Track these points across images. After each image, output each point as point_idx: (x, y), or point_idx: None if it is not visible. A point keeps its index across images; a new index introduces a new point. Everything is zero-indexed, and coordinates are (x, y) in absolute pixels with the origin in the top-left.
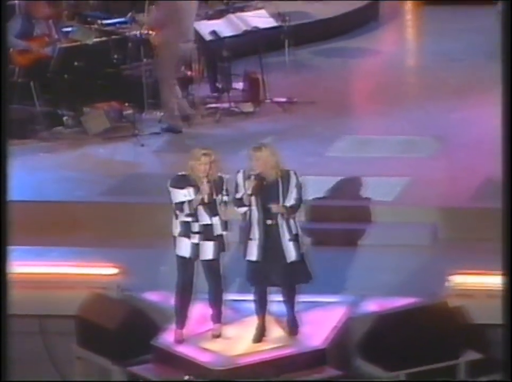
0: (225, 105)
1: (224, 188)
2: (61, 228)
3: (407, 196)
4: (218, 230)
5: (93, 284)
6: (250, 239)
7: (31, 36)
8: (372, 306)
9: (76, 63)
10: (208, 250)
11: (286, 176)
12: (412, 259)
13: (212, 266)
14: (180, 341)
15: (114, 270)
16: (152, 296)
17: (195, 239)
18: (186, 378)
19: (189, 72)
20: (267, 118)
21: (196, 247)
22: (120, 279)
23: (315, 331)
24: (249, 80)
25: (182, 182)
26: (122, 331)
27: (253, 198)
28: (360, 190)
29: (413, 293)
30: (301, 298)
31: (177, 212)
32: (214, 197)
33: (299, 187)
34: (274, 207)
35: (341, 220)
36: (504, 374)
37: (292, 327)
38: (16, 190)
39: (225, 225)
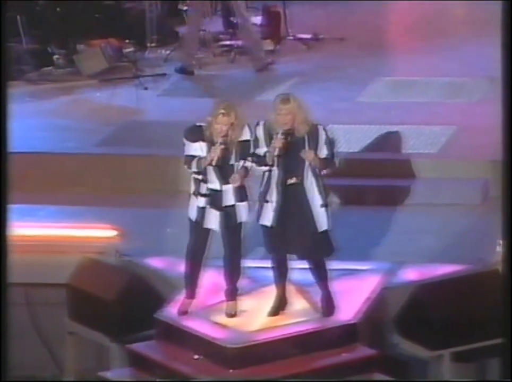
0: (241, 42)
1: (250, 151)
2: (51, 184)
3: (454, 147)
4: (229, 200)
5: (87, 248)
6: (267, 201)
7: None
8: (411, 274)
9: None
10: (213, 219)
11: (313, 132)
12: (459, 220)
13: (227, 236)
14: (185, 312)
15: (112, 233)
16: (155, 263)
17: (202, 202)
18: (196, 357)
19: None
20: (290, 57)
21: (202, 211)
22: (118, 243)
23: (345, 304)
24: (268, 13)
25: (196, 134)
26: (121, 303)
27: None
28: (399, 141)
29: (459, 259)
30: (331, 265)
31: (185, 166)
32: (232, 162)
33: (330, 142)
34: (307, 154)
35: (376, 176)
36: (504, 374)
37: (327, 307)
38: None
39: (240, 194)
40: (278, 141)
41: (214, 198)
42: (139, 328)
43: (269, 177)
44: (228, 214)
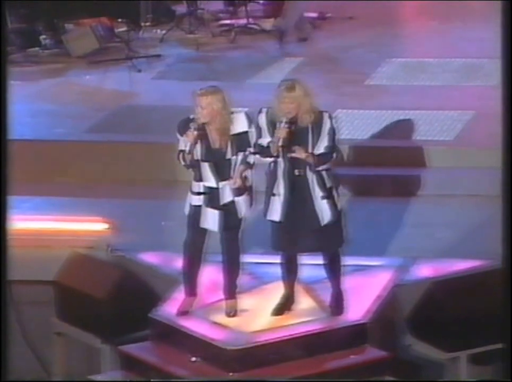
0: (242, 21)
1: (252, 140)
2: (37, 174)
3: (471, 134)
4: (227, 197)
5: (77, 242)
6: (274, 195)
7: None
8: (425, 270)
9: None
10: (211, 219)
11: (318, 120)
12: (476, 212)
13: (225, 233)
14: (185, 312)
15: (103, 226)
16: (150, 258)
17: (196, 201)
18: (193, 360)
19: None
20: (294, 37)
21: (197, 210)
22: (110, 237)
23: (354, 302)
24: None
25: (185, 127)
26: (112, 301)
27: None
28: (411, 127)
29: (477, 254)
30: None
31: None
32: (228, 156)
33: (333, 132)
34: (298, 151)
35: (387, 165)
36: (504, 374)
37: (336, 306)
38: None
39: (239, 188)
40: (282, 131)
41: (211, 196)
42: (133, 329)
43: (275, 169)
44: (228, 212)
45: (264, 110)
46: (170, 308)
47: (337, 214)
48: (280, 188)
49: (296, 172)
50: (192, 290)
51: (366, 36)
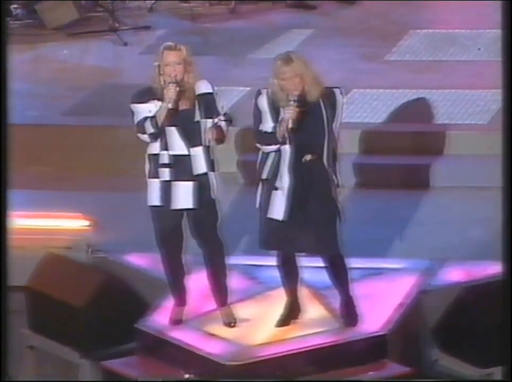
0: None
1: (219, 105)
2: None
3: None
4: (200, 166)
5: (52, 242)
6: (276, 188)
7: None
8: (454, 274)
9: None
10: (183, 195)
11: (329, 94)
12: None
13: (198, 221)
14: (178, 321)
15: (82, 223)
16: (137, 260)
17: (165, 175)
18: (186, 376)
19: None
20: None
21: (166, 188)
22: (91, 236)
23: (371, 311)
24: None
25: (146, 95)
26: (94, 310)
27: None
28: (438, 109)
29: None
30: (352, 263)
31: (139, 135)
32: (197, 118)
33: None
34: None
35: (409, 152)
36: (504, 374)
37: (348, 315)
38: None
39: (211, 161)
40: (292, 111)
41: (181, 166)
42: (117, 341)
43: (277, 158)
44: (202, 186)
45: (264, 91)
46: (159, 317)
47: (337, 212)
48: (285, 180)
49: (306, 157)
50: (180, 297)
51: (386, 4)
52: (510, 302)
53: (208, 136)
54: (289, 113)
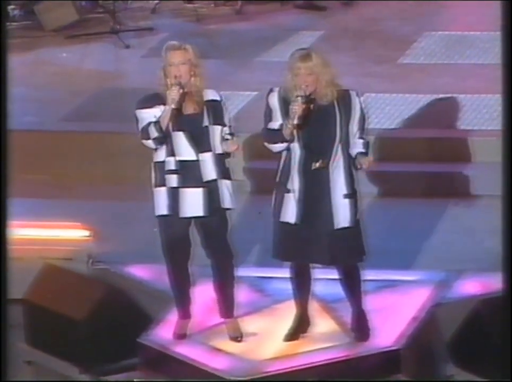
0: None
1: (226, 117)
2: None
3: None
4: (209, 173)
5: (51, 252)
6: (288, 191)
7: None
8: (471, 286)
9: None
10: (192, 202)
11: (345, 97)
12: None
13: (207, 229)
14: (182, 335)
15: (83, 233)
16: (139, 271)
17: (172, 181)
18: None
19: None
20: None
21: (174, 195)
22: (91, 246)
23: (384, 325)
24: None
25: (152, 101)
26: (94, 323)
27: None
28: (454, 114)
29: None
30: (364, 275)
31: (143, 141)
32: (206, 123)
33: (364, 114)
34: (364, 162)
35: (424, 159)
36: (504, 374)
37: (359, 329)
38: None
39: (223, 168)
40: (298, 107)
41: (190, 172)
42: (118, 356)
43: (288, 158)
44: (211, 192)
45: (276, 89)
46: (163, 331)
47: (356, 218)
48: (295, 182)
49: (315, 164)
50: (184, 310)
51: (400, 4)
52: (510, 299)
53: (224, 147)
54: (294, 109)
